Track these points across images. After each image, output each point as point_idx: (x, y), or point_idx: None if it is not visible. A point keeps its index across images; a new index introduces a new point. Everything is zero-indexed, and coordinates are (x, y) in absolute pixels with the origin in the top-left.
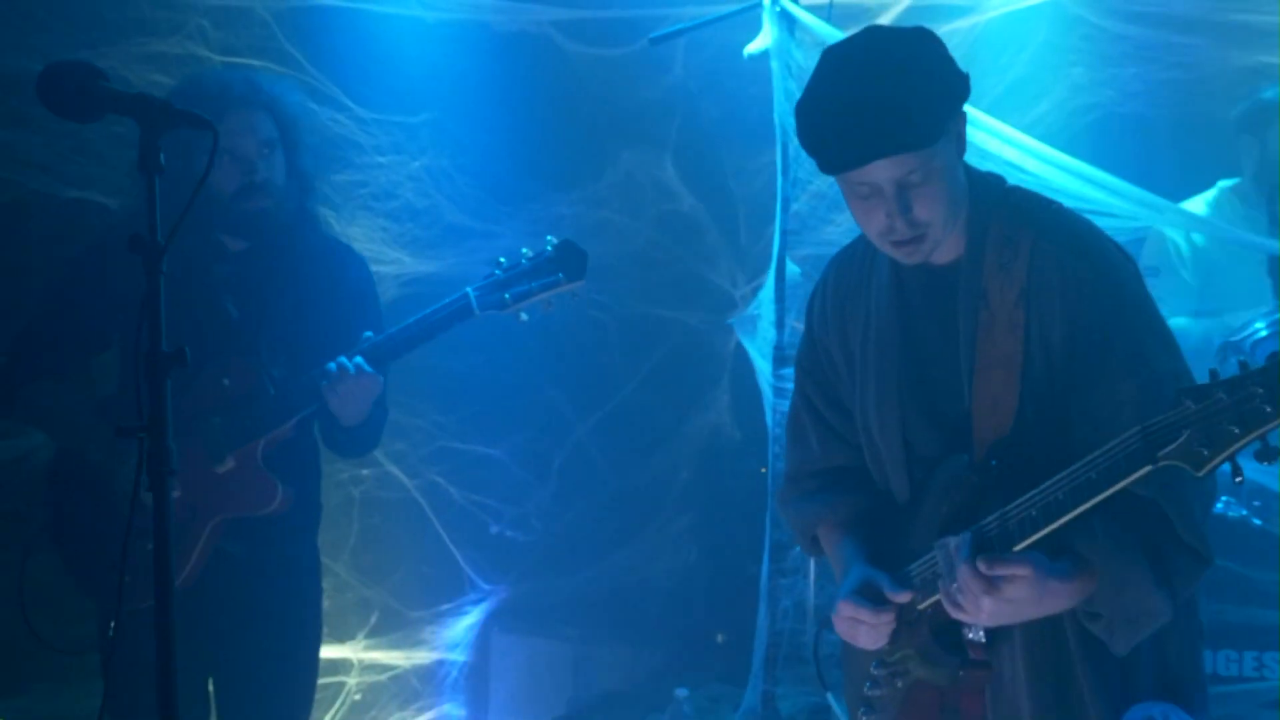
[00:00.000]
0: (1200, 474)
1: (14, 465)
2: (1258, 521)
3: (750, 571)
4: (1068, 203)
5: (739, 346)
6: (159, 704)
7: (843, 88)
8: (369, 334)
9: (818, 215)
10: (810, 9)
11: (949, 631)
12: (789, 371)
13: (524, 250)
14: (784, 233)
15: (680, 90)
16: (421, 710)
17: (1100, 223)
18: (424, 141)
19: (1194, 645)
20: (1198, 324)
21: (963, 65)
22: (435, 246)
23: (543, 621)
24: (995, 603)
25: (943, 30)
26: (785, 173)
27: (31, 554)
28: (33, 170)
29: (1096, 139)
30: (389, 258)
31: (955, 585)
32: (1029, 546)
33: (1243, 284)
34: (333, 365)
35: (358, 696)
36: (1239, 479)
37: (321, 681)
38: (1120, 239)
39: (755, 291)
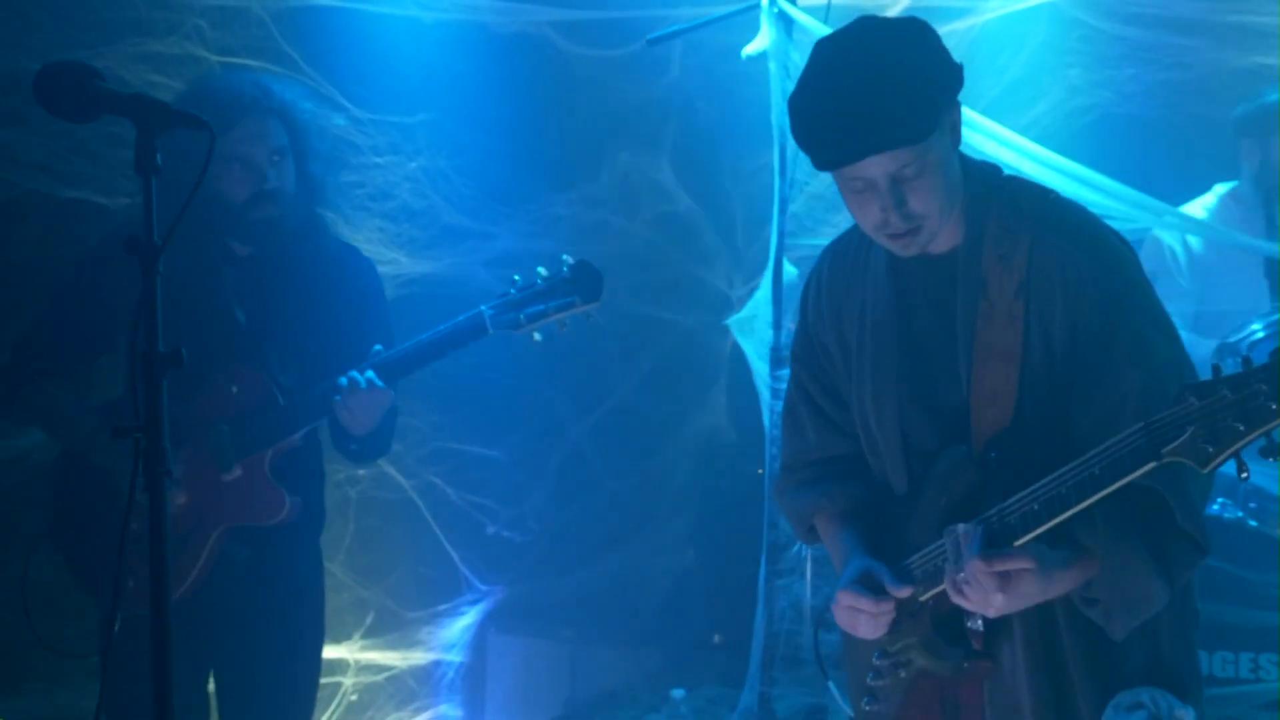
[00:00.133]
0: (1205, 470)
1: (12, 465)
2: (1254, 523)
3: (747, 572)
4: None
5: (736, 347)
6: (154, 706)
7: (835, 83)
8: (379, 347)
9: (815, 216)
10: (808, 10)
11: (951, 622)
12: (786, 373)
13: (539, 269)
14: (781, 234)
15: (677, 91)
16: (418, 711)
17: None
18: (421, 142)
19: (1187, 632)
20: (1197, 345)
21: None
22: (432, 247)
23: (539, 622)
24: (1005, 597)
25: (940, 31)
26: (782, 174)
27: (33, 555)
28: (30, 170)
29: (1093, 140)
30: (386, 258)
31: (962, 575)
32: (1030, 540)
33: (1240, 287)
34: (344, 379)
35: (354, 697)
36: (1244, 475)
37: None
38: None
39: (752, 292)
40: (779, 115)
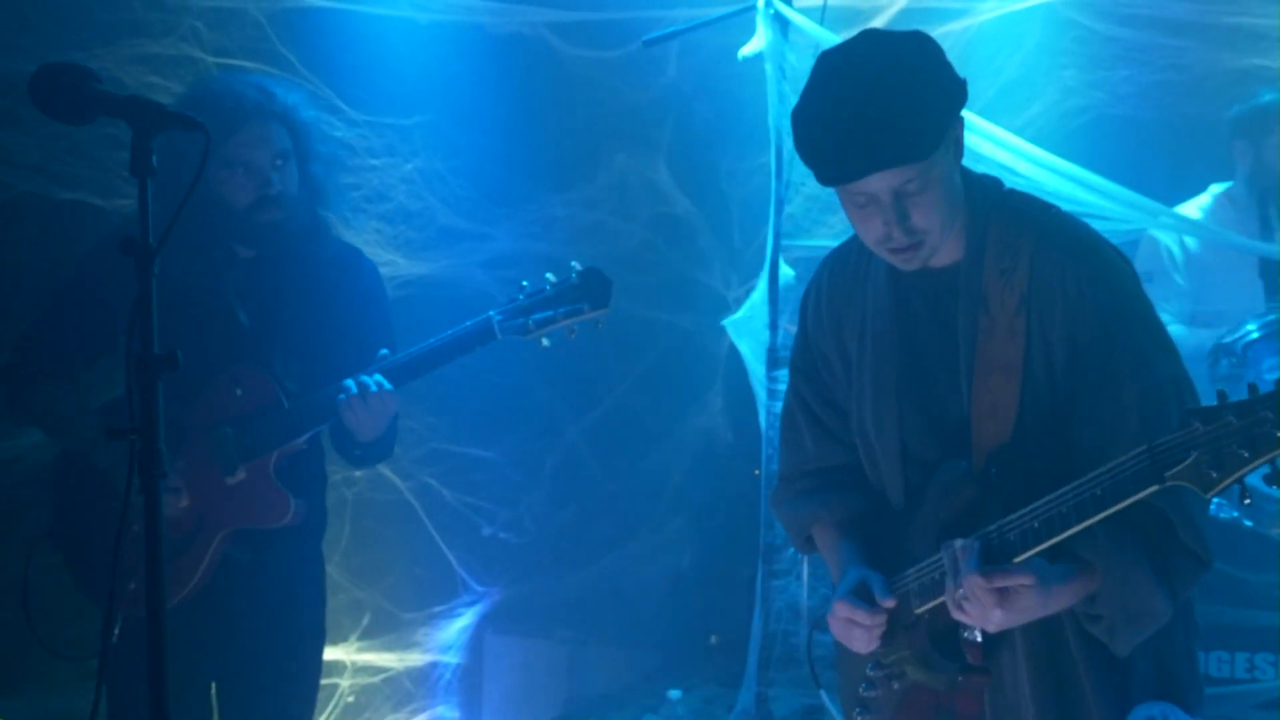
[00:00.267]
0: (1208, 495)
1: (11, 465)
2: (1249, 523)
3: (743, 573)
4: (1060, 206)
5: (732, 349)
6: (150, 707)
7: (840, 98)
8: (385, 351)
9: (811, 218)
10: (804, 11)
11: (947, 637)
12: (782, 374)
13: (548, 275)
14: (777, 235)
15: (674, 93)
16: (415, 712)
17: (1092, 226)
18: (417, 144)
19: (1189, 644)
20: (1192, 334)
21: (955, 68)
22: (429, 249)
23: (536, 623)
24: (1004, 613)
25: (936, 33)
26: (778, 175)
27: (34, 557)
28: (26, 172)
29: (1088, 141)
30: (383, 260)
31: (960, 591)
32: (1029, 556)
33: (1235, 287)
34: (351, 383)
35: (351, 699)
36: (1247, 501)
37: None
38: (1113, 242)
39: (748, 294)
40: (775, 116)
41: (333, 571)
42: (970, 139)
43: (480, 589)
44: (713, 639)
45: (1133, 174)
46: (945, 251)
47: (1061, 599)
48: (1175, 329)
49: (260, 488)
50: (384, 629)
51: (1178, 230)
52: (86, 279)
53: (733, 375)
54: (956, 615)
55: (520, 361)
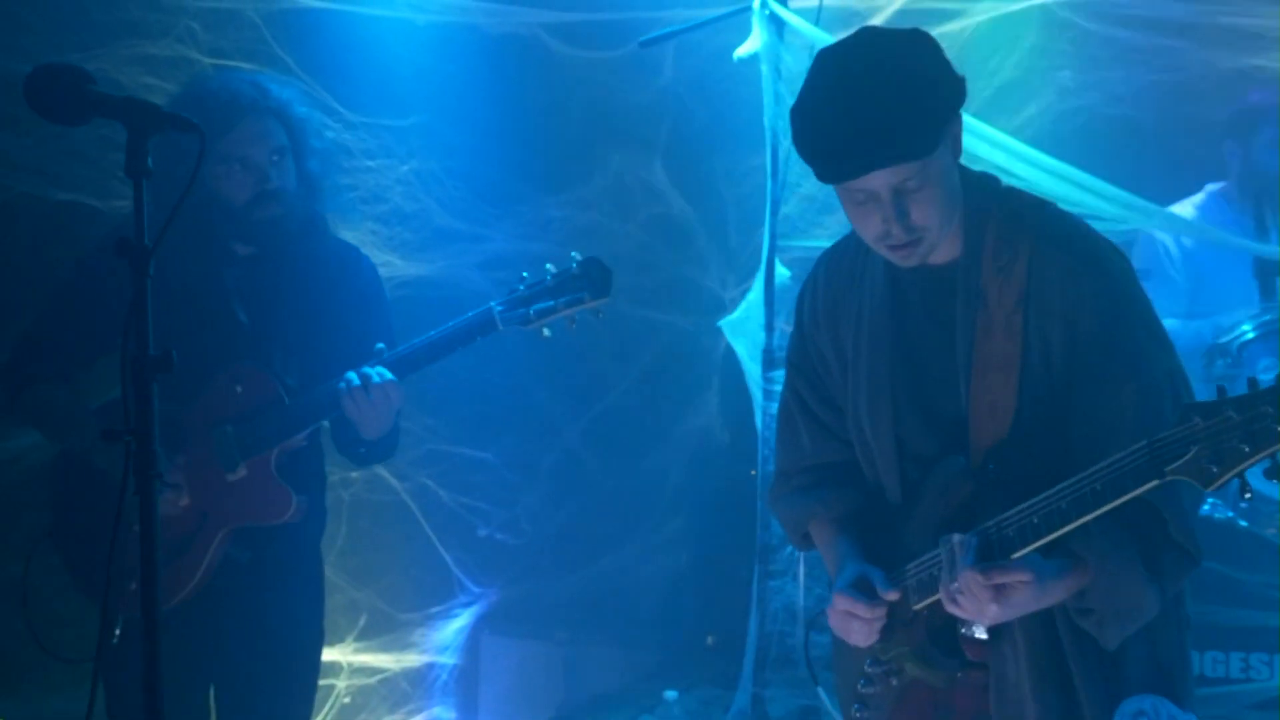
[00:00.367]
0: (1208, 490)
1: (10, 465)
2: (1244, 523)
3: (740, 574)
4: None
5: (729, 349)
6: (145, 707)
7: (839, 96)
8: (380, 345)
9: (807, 218)
10: (799, 12)
11: (945, 633)
12: (778, 374)
13: (548, 266)
14: (773, 235)
15: (670, 93)
16: (412, 713)
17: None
18: (413, 145)
19: (1180, 637)
20: (1188, 326)
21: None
22: (425, 250)
23: (533, 624)
24: (999, 608)
25: (932, 33)
26: (774, 176)
27: (33, 558)
28: (22, 173)
29: (1084, 142)
30: (379, 261)
31: (956, 585)
32: (1027, 552)
33: (1232, 285)
34: (353, 374)
35: (347, 700)
36: (1248, 495)
37: None
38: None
39: (745, 294)
40: (771, 117)
41: (329, 572)
42: (966, 140)
43: (477, 590)
44: (709, 639)
45: (1129, 175)
46: (943, 248)
47: (1055, 594)
48: (1170, 324)
49: (262, 484)
50: (380, 630)
51: (1172, 230)
52: (84, 280)
53: (729, 376)
54: (951, 609)
55: (517, 362)
